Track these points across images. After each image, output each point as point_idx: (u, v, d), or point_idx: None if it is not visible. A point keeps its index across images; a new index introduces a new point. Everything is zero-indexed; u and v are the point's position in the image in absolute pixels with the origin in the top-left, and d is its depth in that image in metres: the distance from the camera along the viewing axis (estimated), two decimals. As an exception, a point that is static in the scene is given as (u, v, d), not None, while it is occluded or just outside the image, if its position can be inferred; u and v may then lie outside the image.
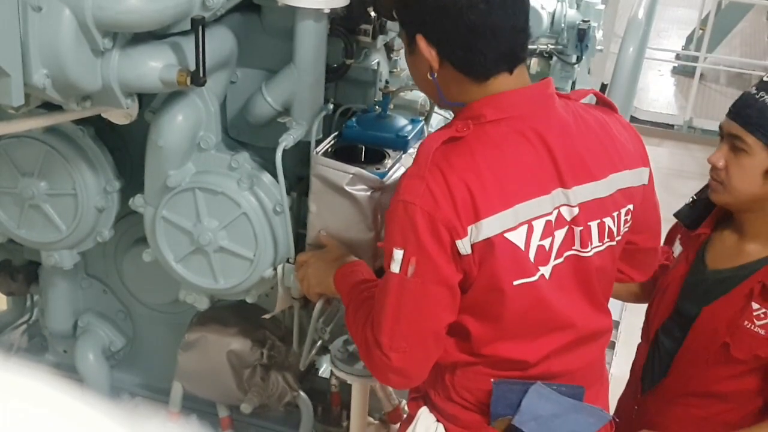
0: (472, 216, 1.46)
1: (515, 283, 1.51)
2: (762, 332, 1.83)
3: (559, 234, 1.54)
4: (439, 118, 2.66)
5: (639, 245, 1.78)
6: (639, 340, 2.13)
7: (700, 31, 8.24)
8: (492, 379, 1.61)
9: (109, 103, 1.89)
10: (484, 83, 1.52)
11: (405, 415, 2.48)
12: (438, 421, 1.71)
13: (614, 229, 1.62)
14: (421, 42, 1.51)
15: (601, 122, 1.63)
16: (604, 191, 1.59)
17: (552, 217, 1.53)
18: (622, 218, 1.64)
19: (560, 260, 1.56)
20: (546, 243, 1.53)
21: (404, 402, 2.54)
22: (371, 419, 2.46)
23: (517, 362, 1.61)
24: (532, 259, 1.52)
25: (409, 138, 2.07)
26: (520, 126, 1.52)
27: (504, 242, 1.48)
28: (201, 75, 1.82)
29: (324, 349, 2.29)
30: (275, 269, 2.12)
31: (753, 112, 1.77)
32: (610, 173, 1.59)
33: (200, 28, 1.78)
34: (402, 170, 1.99)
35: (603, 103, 1.72)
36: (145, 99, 2.06)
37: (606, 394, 1.81)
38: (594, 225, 1.58)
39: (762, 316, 1.83)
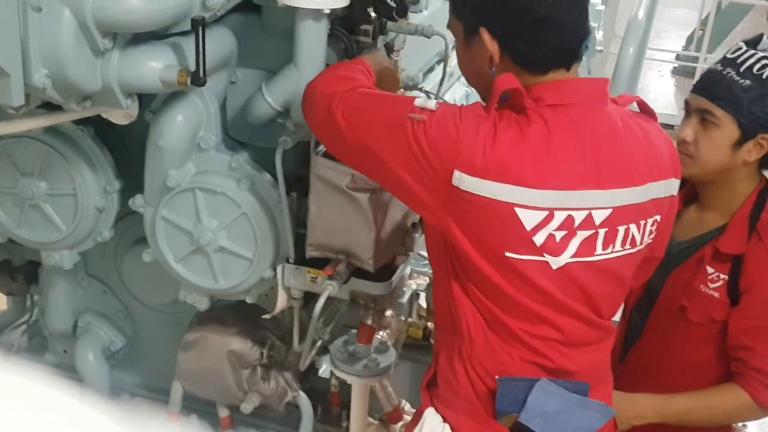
0: (496, 173, 1.47)
1: (507, 254, 1.51)
2: (716, 295, 1.93)
3: (583, 234, 1.54)
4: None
5: (649, 257, 1.77)
6: None
7: (700, 32, 8.24)
8: (497, 377, 1.61)
9: (109, 104, 1.89)
10: (542, 77, 1.53)
11: (406, 417, 2.49)
12: (446, 421, 1.71)
13: (637, 238, 1.62)
14: (485, 35, 1.52)
15: (644, 129, 1.63)
16: (639, 198, 1.59)
17: (580, 216, 1.52)
18: (648, 228, 1.63)
19: (578, 259, 1.55)
20: (559, 235, 1.52)
21: (404, 402, 2.54)
22: (371, 419, 2.46)
23: (524, 342, 1.61)
24: (537, 244, 1.51)
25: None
26: (575, 116, 1.52)
27: (509, 213, 1.48)
28: (201, 75, 1.82)
29: (324, 349, 2.30)
30: (275, 269, 2.12)
31: (721, 87, 1.87)
32: (648, 181, 1.60)
33: (200, 28, 1.78)
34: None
35: (645, 112, 1.71)
36: (145, 99, 2.06)
37: (611, 393, 1.81)
38: (622, 230, 1.58)
39: (715, 279, 1.93)
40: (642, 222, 1.61)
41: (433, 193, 1.52)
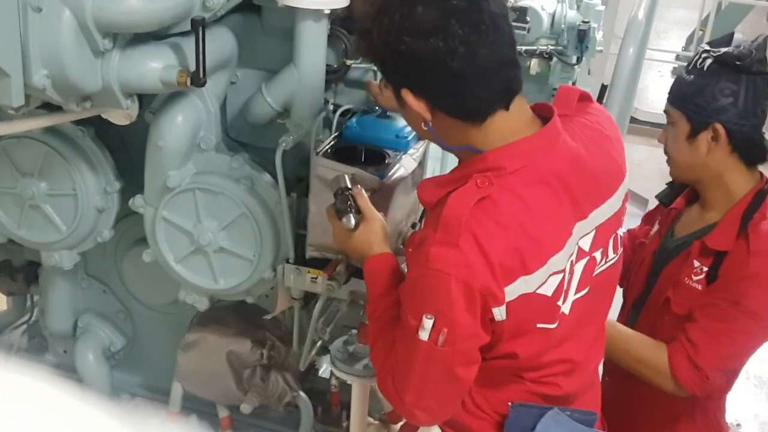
0: (507, 278, 1.40)
1: (539, 326, 1.49)
2: (698, 287, 1.94)
3: (580, 266, 1.52)
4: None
5: None
6: None
7: (700, 32, 8.24)
8: (509, 403, 1.60)
9: (109, 104, 1.89)
10: (482, 124, 1.43)
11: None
12: None
13: (621, 236, 1.64)
14: (408, 96, 1.42)
15: (597, 130, 1.58)
16: (617, 204, 1.57)
17: (575, 255, 1.50)
18: (624, 225, 1.64)
19: (582, 293, 1.54)
20: (565, 281, 1.50)
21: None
22: (371, 419, 2.46)
23: (526, 378, 1.60)
24: (560, 303, 1.50)
25: (409, 138, 2.07)
26: (538, 171, 1.44)
27: (535, 297, 1.44)
28: (201, 76, 1.82)
29: (324, 349, 2.29)
30: (275, 270, 2.12)
31: (675, 88, 1.98)
32: (619, 184, 1.58)
33: (200, 28, 1.78)
34: (402, 171, 1.99)
35: (581, 100, 1.61)
36: (145, 99, 2.06)
37: (598, 397, 1.81)
38: (611, 241, 1.59)
39: (699, 271, 1.95)
40: (623, 219, 1.62)
41: (489, 332, 1.47)
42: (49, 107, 1.94)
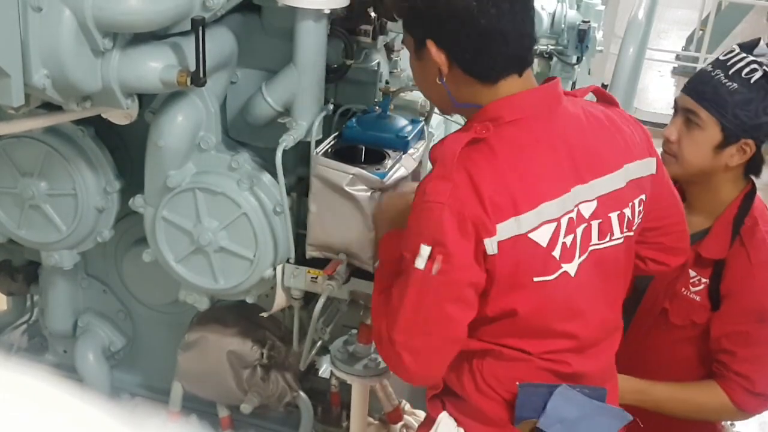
0: (499, 215, 1.47)
1: (535, 279, 1.53)
2: (697, 298, 1.94)
3: (579, 230, 1.56)
4: (439, 118, 2.66)
5: (667, 230, 1.80)
6: None
7: (700, 32, 8.25)
8: (517, 382, 1.61)
9: (109, 104, 1.89)
10: (494, 85, 1.54)
11: (406, 417, 2.49)
12: (459, 425, 1.70)
13: (632, 220, 1.65)
14: (432, 47, 1.52)
15: (607, 115, 1.65)
16: (620, 182, 1.61)
17: (573, 215, 1.55)
18: (637, 209, 1.65)
19: (584, 256, 1.57)
20: (568, 240, 1.54)
21: (404, 402, 2.54)
22: (371, 419, 2.46)
23: (534, 354, 1.61)
24: (557, 257, 1.53)
25: (409, 138, 2.07)
26: (538, 126, 1.54)
27: (527, 242, 1.49)
28: (201, 75, 1.82)
29: (324, 349, 2.30)
30: (275, 269, 2.12)
31: (707, 89, 1.85)
32: (624, 163, 1.62)
33: (200, 28, 1.78)
34: (402, 171, 1.99)
35: (604, 100, 1.73)
36: (145, 99, 2.06)
37: (616, 389, 1.82)
38: (614, 216, 1.61)
39: (697, 282, 1.94)
40: (630, 203, 1.63)
41: (483, 268, 1.51)
42: (49, 107, 1.94)
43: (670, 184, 1.79)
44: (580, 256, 1.57)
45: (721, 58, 1.89)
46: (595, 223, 1.58)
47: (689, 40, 8.85)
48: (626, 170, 1.62)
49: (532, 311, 1.56)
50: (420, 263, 1.48)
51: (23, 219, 2.31)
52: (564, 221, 1.53)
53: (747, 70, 1.82)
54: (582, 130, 1.58)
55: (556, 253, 1.53)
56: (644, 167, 1.67)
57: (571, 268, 1.56)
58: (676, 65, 8.91)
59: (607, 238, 1.60)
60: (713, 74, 1.86)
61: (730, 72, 1.84)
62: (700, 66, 7.68)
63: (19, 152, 2.24)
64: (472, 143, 1.50)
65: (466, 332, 1.56)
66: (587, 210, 1.57)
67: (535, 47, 1.61)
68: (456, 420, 1.71)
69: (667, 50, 8.98)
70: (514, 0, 1.50)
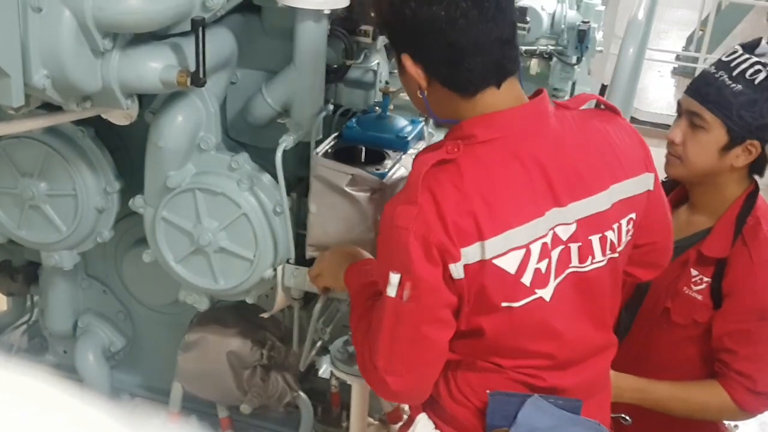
0: (463, 240, 1.43)
1: (503, 304, 1.49)
2: (699, 297, 1.94)
3: (555, 254, 1.51)
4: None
5: (653, 246, 1.75)
6: None
7: (700, 32, 8.24)
8: (488, 391, 1.59)
9: (109, 104, 1.89)
10: (473, 99, 1.48)
11: (405, 417, 2.49)
12: (437, 428, 1.70)
13: (615, 241, 1.59)
14: (407, 61, 1.48)
15: (600, 131, 1.59)
16: (604, 204, 1.55)
17: (548, 239, 1.50)
18: (624, 228, 1.60)
19: (560, 279, 1.53)
20: (542, 265, 1.50)
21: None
22: (371, 419, 2.46)
23: (507, 368, 1.59)
24: (527, 283, 1.49)
25: (409, 139, 2.07)
26: (512, 147, 1.47)
27: (493, 267, 1.45)
28: (201, 76, 1.82)
29: (324, 350, 2.30)
30: (275, 270, 2.12)
31: (712, 90, 1.84)
32: (610, 184, 1.56)
33: (200, 29, 1.78)
34: (402, 171, 1.99)
35: (606, 107, 1.67)
36: (145, 100, 2.06)
37: (608, 401, 1.80)
38: (595, 239, 1.55)
39: (698, 281, 1.94)
40: (615, 225, 1.58)
41: (453, 292, 1.49)
42: (49, 107, 1.94)
43: (665, 201, 1.75)
44: (555, 279, 1.52)
45: (723, 59, 1.88)
46: (574, 246, 1.53)
47: (689, 40, 8.85)
48: (611, 192, 1.56)
49: (502, 333, 1.53)
50: (391, 291, 1.46)
51: (23, 219, 2.31)
52: (535, 247, 1.48)
53: (751, 71, 1.82)
54: (564, 151, 1.51)
55: (526, 279, 1.48)
56: (639, 184, 1.61)
57: (545, 292, 1.51)
58: (676, 65, 8.90)
59: (588, 261, 1.55)
60: (717, 76, 1.86)
61: (734, 73, 1.83)
62: (700, 66, 7.68)
63: (19, 153, 2.24)
64: (439, 164, 1.45)
65: (447, 348, 1.55)
66: (564, 233, 1.51)
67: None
68: (434, 423, 1.71)
69: (667, 50, 8.98)
70: (486, 7, 1.41)
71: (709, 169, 1.91)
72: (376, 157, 2.00)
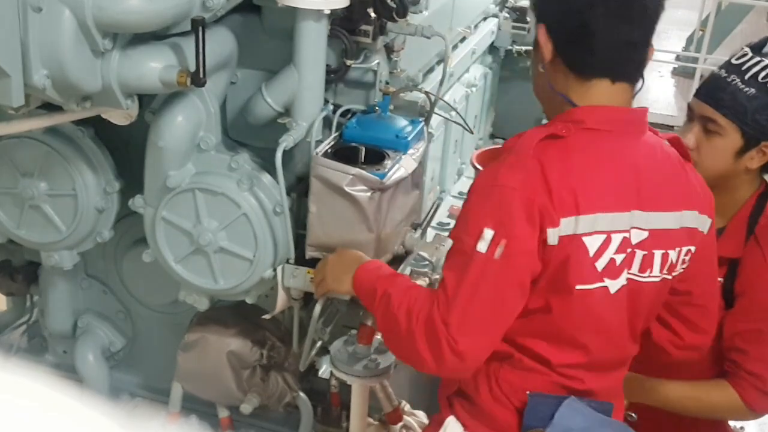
0: (563, 210, 1.49)
1: (578, 287, 1.54)
2: None
3: (626, 252, 1.57)
4: (439, 119, 2.66)
5: (688, 298, 1.77)
6: None
7: (700, 33, 8.22)
8: (528, 392, 1.63)
9: (109, 104, 1.89)
10: (586, 83, 1.57)
11: (405, 417, 2.49)
12: (466, 430, 1.71)
13: (675, 264, 1.65)
14: (541, 31, 1.58)
15: (679, 162, 1.67)
16: (674, 224, 1.62)
17: (627, 235, 1.56)
18: (682, 256, 1.66)
19: (625, 278, 1.58)
20: (618, 258, 1.56)
21: (404, 403, 2.54)
22: (371, 420, 2.46)
23: (552, 365, 1.63)
24: (599, 269, 1.54)
25: (409, 139, 2.07)
26: (614, 142, 1.57)
27: (579, 243, 1.51)
28: (201, 76, 1.82)
29: (324, 350, 2.29)
30: (275, 270, 2.12)
31: (725, 96, 1.85)
32: (682, 208, 1.63)
33: (200, 28, 1.78)
34: (402, 171, 1.99)
35: (680, 152, 1.71)
36: (145, 99, 2.06)
37: (623, 408, 1.86)
38: (658, 254, 1.61)
39: None
40: (677, 249, 1.64)
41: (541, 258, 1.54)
42: (49, 107, 1.94)
43: (715, 257, 1.78)
44: (622, 276, 1.58)
45: (734, 62, 1.88)
46: (639, 253, 1.59)
47: (689, 40, 8.83)
48: (682, 216, 1.63)
49: (566, 314, 1.57)
50: (482, 246, 1.49)
51: (23, 219, 2.31)
52: (616, 237, 1.54)
53: (763, 74, 1.83)
54: (654, 164, 1.61)
55: (600, 264, 1.54)
56: (700, 221, 1.67)
57: (612, 285, 1.57)
58: (676, 66, 8.89)
59: (647, 273, 1.61)
60: (729, 80, 1.85)
61: (746, 77, 1.84)
62: (700, 66, 7.66)
63: (19, 152, 2.24)
64: (549, 138, 1.53)
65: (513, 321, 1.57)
66: (637, 237, 1.58)
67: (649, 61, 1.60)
68: (464, 424, 1.72)
69: (667, 50, 8.96)
70: (630, 5, 1.52)
71: (723, 173, 1.91)
72: (376, 157, 2.00)
